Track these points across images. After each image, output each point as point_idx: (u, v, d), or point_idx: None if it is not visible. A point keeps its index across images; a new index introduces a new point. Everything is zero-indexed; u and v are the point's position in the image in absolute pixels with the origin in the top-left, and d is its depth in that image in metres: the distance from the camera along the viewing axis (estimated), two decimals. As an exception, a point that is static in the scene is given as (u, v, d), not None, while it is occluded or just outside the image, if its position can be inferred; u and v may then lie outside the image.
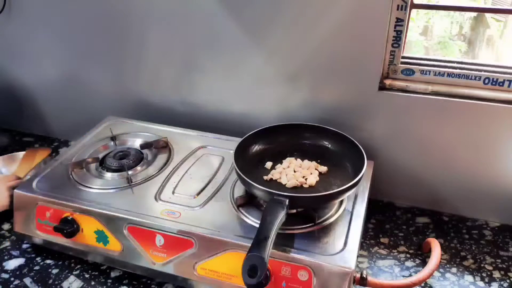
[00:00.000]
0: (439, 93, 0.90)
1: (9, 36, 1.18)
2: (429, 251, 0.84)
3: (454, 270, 0.86)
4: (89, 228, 0.82)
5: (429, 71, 0.90)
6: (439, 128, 0.92)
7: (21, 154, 1.15)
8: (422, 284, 0.81)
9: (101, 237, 0.82)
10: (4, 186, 0.93)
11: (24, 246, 0.91)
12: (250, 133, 0.90)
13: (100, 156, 0.98)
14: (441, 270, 0.86)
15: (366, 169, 0.78)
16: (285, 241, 0.73)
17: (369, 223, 0.98)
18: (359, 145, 0.85)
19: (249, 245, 0.65)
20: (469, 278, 0.84)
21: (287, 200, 0.71)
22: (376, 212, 1.01)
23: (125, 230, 0.80)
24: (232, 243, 0.74)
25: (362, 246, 0.91)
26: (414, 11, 0.88)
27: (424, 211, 1.02)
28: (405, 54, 0.92)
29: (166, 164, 0.95)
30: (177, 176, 0.91)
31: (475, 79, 0.88)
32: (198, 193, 0.86)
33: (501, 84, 0.87)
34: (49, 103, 1.27)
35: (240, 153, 0.85)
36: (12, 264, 0.87)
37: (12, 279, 0.83)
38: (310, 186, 0.82)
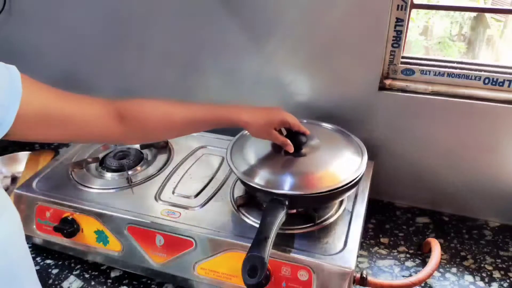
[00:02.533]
0: (439, 93, 0.90)
1: (9, 36, 1.18)
2: (429, 251, 0.84)
3: (454, 270, 0.86)
4: (89, 228, 0.82)
5: (429, 71, 0.90)
6: (439, 128, 0.92)
7: (21, 154, 1.15)
8: (422, 284, 0.81)
9: (101, 237, 0.82)
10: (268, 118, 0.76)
11: (24, 246, 0.91)
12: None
13: (100, 156, 0.98)
14: (441, 270, 0.86)
15: (366, 169, 0.78)
16: (285, 241, 0.73)
17: (369, 223, 0.98)
18: (359, 145, 0.85)
19: (249, 245, 0.65)
20: (469, 278, 0.84)
21: (287, 200, 0.71)
22: (376, 212, 1.01)
23: (125, 230, 0.80)
24: (232, 243, 0.74)
25: (362, 246, 0.91)
26: (414, 11, 0.88)
27: (424, 211, 1.02)
28: (405, 54, 0.92)
29: (166, 164, 0.95)
30: (177, 176, 0.91)
31: (475, 79, 0.88)
32: (198, 193, 0.86)
33: (501, 84, 0.87)
34: (49, 103, 1.27)
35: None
36: (12, 264, 0.86)
37: (12, 279, 0.83)
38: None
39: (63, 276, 0.84)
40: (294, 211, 0.79)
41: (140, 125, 0.70)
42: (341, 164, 0.78)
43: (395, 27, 0.87)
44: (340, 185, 0.73)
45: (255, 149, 0.82)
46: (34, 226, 0.86)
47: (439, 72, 0.90)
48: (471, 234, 0.95)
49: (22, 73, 0.58)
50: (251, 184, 0.75)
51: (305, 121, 0.91)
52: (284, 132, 0.80)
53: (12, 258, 0.55)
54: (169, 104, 0.72)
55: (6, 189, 1.05)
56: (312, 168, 0.77)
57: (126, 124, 0.68)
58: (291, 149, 0.78)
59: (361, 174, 0.77)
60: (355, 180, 0.75)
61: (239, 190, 0.86)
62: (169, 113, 0.71)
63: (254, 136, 0.78)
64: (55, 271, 0.85)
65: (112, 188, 0.88)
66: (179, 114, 0.72)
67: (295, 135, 0.79)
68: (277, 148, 0.80)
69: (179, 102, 0.74)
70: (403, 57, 0.92)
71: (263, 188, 0.74)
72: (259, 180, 0.75)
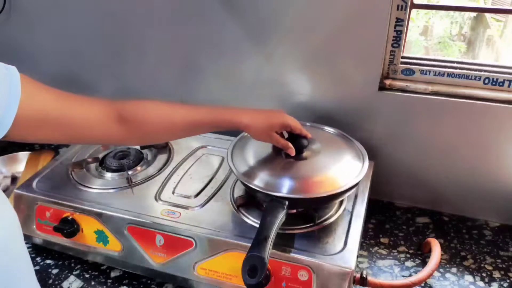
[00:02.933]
0: (439, 93, 0.90)
1: (9, 36, 1.18)
2: (429, 251, 0.84)
3: (454, 270, 0.86)
4: (89, 228, 0.82)
5: (429, 71, 0.90)
6: (439, 128, 0.92)
7: (21, 154, 1.15)
8: (422, 284, 0.81)
9: (101, 237, 0.82)
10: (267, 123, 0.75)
11: (24, 246, 0.91)
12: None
13: (100, 156, 0.98)
14: (441, 270, 0.86)
15: (366, 169, 0.78)
16: (285, 241, 0.73)
17: (369, 223, 0.98)
18: (358, 144, 0.85)
19: (249, 245, 0.65)
20: (469, 278, 0.84)
21: (287, 201, 0.71)
22: (376, 212, 1.01)
23: (125, 230, 0.80)
24: (232, 243, 0.74)
25: (362, 246, 0.91)
26: (414, 11, 0.88)
27: (424, 211, 1.02)
28: (405, 54, 0.92)
29: (166, 164, 0.95)
30: (177, 176, 0.91)
31: (475, 79, 0.88)
32: (198, 193, 0.86)
33: (501, 84, 0.87)
34: (49, 103, 1.27)
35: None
36: (12, 264, 0.86)
37: (12, 279, 0.83)
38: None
39: (63, 276, 0.84)
40: (294, 211, 0.79)
41: (141, 127, 0.69)
42: (341, 169, 0.78)
43: (395, 27, 0.87)
44: (339, 190, 0.74)
45: (256, 151, 0.82)
46: (34, 226, 0.86)
47: (439, 72, 0.90)
48: (471, 234, 0.95)
49: (22, 74, 0.57)
50: (251, 185, 0.75)
51: (308, 124, 0.91)
52: (286, 135, 0.80)
53: (10, 259, 0.55)
54: (170, 106, 0.72)
55: (6, 189, 1.05)
56: (313, 172, 0.77)
57: (127, 126, 0.68)
58: (292, 152, 0.77)
59: (361, 175, 0.77)
60: (354, 186, 0.76)
61: (239, 190, 0.86)
62: (170, 115, 0.71)
63: (255, 139, 0.77)
64: (55, 271, 0.85)
65: (112, 188, 0.88)
66: (180, 116, 0.71)
67: (296, 139, 0.79)
68: (278, 150, 0.80)
69: (180, 104, 0.74)
70: (403, 57, 0.92)
71: (263, 190, 0.74)
72: (259, 181, 0.75)
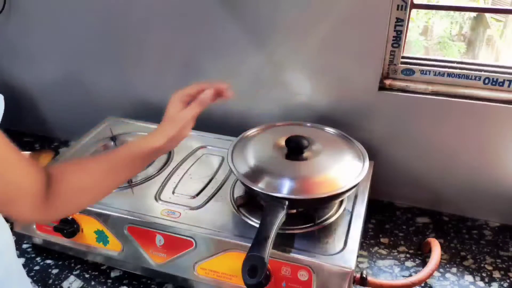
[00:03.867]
0: (439, 93, 0.90)
1: (9, 36, 1.18)
2: (429, 251, 0.84)
3: (454, 270, 0.86)
4: (89, 228, 0.82)
5: (429, 71, 0.90)
6: (439, 128, 0.92)
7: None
8: (422, 284, 0.81)
9: (101, 237, 0.82)
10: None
11: (24, 246, 0.91)
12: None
13: (100, 156, 0.98)
14: (441, 270, 0.86)
15: (367, 170, 0.78)
16: (285, 241, 0.73)
17: (369, 223, 0.98)
18: (359, 145, 0.85)
19: (249, 245, 0.65)
20: (469, 278, 0.84)
21: (287, 201, 0.71)
22: (376, 212, 1.01)
23: (125, 230, 0.80)
24: (232, 243, 0.74)
25: (362, 246, 0.91)
26: (414, 11, 0.88)
27: (424, 211, 1.02)
28: (405, 54, 0.92)
29: (166, 164, 0.95)
30: (177, 176, 0.91)
31: (475, 79, 0.88)
32: (198, 193, 0.86)
33: (501, 84, 0.87)
34: (49, 103, 1.27)
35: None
36: (12, 264, 0.86)
37: (12, 279, 0.83)
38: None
39: (63, 276, 0.84)
40: (294, 211, 0.79)
41: (68, 208, 0.60)
42: (342, 169, 0.77)
43: (395, 27, 0.87)
44: (340, 191, 0.74)
45: (256, 151, 0.82)
46: (34, 226, 0.86)
47: (439, 72, 0.90)
48: (471, 234, 0.95)
49: None
50: (251, 186, 0.75)
51: (308, 124, 0.91)
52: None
53: (3, 271, 0.54)
54: (92, 172, 0.62)
55: (6, 189, 1.05)
56: (313, 172, 0.76)
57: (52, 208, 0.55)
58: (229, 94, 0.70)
59: (361, 175, 0.77)
60: (354, 186, 0.76)
61: (239, 190, 0.86)
62: (94, 183, 0.61)
63: (181, 140, 0.70)
64: (55, 271, 0.85)
65: (112, 188, 0.88)
66: (104, 180, 0.62)
67: (297, 139, 0.78)
68: (279, 151, 0.80)
69: (95, 160, 0.67)
70: (403, 57, 0.92)
71: (263, 191, 0.73)
72: (260, 182, 0.75)
